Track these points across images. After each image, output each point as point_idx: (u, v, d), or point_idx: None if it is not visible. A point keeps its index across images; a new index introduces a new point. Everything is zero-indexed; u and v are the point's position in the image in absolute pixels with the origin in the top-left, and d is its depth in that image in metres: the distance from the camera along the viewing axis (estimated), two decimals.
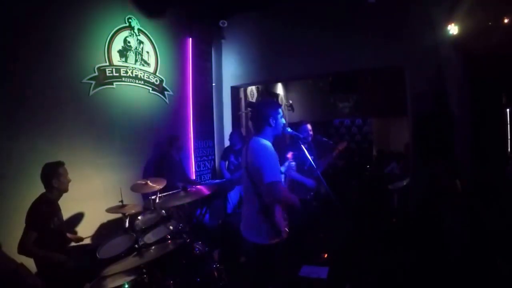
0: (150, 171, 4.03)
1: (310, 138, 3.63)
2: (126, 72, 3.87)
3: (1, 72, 2.73)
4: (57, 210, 2.61)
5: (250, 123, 6.31)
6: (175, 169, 4.06)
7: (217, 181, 5.10)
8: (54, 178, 2.56)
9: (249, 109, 6.46)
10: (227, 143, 5.79)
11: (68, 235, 2.82)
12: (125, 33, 3.87)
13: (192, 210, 4.06)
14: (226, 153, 4.94)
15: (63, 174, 2.61)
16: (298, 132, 3.31)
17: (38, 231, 2.40)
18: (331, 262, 3.29)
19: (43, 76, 3.03)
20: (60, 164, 2.62)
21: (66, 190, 2.67)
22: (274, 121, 2.16)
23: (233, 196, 4.73)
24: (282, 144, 3.52)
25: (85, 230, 3.27)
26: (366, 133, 8.81)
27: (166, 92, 4.48)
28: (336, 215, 3.91)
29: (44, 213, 2.46)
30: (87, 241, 3.01)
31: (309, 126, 3.68)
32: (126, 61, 3.88)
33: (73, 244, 2.86)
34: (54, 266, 2.40)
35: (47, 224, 2.45)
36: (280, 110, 2.22)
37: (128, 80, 3.91)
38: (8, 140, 2.76)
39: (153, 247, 2.37)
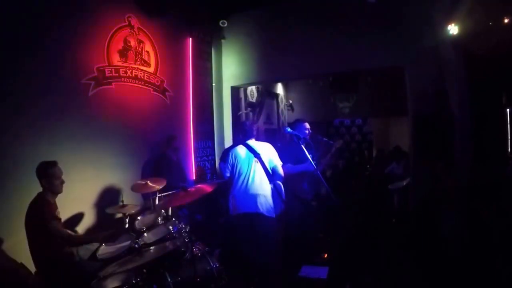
0: (149, 171, 4.03)
1: (308, 137, 3.64)
2: (126, 72, 3.87)
3: (0, 72, 2.73)
4: (54, 209, 2.59)
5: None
6: (172, 169, 4.05)
7: (217, 181, 5.10)
8: (44, 178, 2.49)
9: (249, 109, 6.46)
10: (227, 143, 5.79)
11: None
12: (125, 32, 3.87)
13: (192, 210, 4.06)
14: (225, 157, 4.88)
15: (54, 175, 2.50)
16: (296, 130, 3.32)
17: (56, 219, 2.42)
18: (331, 262, 3.29)
19: (43, 76, 3.03)
20: (51, 164, 2.52)
21: (58, 191, 2.58)
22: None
23: None
24: (282, 143, 3.53)
25: (85, 230, 3.28)
26: (366, 133, 8.83)
27: (166, 93, 4.48)
28: (336, 215, 3.93)
29: (42, 212, 2.44)
30: None
31: (307, 125, 3.68)
32: (126, 61, 3.87)
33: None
34: (51, 265, 2.39)
35: (43, 223, 2.43)
36: None
37: (128, 80, 3.90)
38: (8, 140, 2.76)
39: (153, 247, 2.37)
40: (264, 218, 2.92)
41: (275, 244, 3.01)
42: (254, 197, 2.94)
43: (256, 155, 3.01)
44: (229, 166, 3.08)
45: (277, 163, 3.06)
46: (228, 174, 3.11)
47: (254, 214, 2.92)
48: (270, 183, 3.02)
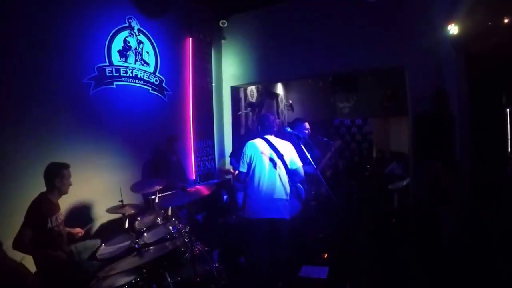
0: (149, 171, 4.03)
1: (308, 136, 3.65)
2: (126, 72, 3.87)
3: (1, 72, 2.73)
4: (56, 210, 2.61)
5: (250, 123, 6.32)
6: (172, 169, 4.05)
7: (217, 181, 5.10)
8: (57, 178, 2.58)
9: (249, 109, 6.46)
10: (227, 143, 5.79)
11: (68, 229, 2.82)
12: (125, 33, 3.87)
13: (192, 210, 4.06)
14: (237, 152, 4.79)
15: (66, 176, 2.63)
16: (296, 130, 3.32)
17: (34, 229, 2.40)
18: (331, 262, 3.29)
19: (44, 75, 3.03)
20: (65, 166, 2.65)
21: (65, 192, 2.69)
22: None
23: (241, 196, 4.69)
24: None
25: (84, 228, 3.28)
26: (366, 133, 8.80)
27: (165, 92, 4.48)
28: (336, 215, 3.92)
29: (42, 213, 2.46)
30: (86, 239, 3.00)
31: (306, 125, 3.68)
32: (126, 61, 3.87)
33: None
34: (51, 264, 2.40)
35: (44, 223, 2.45)
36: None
37: (128, 80, 3.91)
38: (8, 140, 2.76)
39: (152, 247, 2.37)
40: (284, 222, 2.78)
41: (289, 246, 2.90)
42: (278, 202, 2.75)
43: (279, 155, 2.78)
44: (246, 161, 2.79)
45: (299, 164, 2.85)
46: (243, 170, 2.81)
47: (279, 220, 2.75)
48: (291, 184, 2.86)
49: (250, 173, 2.81)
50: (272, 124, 2.91)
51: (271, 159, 2.78)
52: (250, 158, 2.80)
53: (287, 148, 2.86)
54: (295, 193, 2.92)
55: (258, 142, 2.85)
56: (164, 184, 3.21)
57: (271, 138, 2.88)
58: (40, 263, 2.45)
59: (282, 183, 2.77)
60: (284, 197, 2.78)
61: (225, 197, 4.30)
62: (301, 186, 3.04)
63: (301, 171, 2.85)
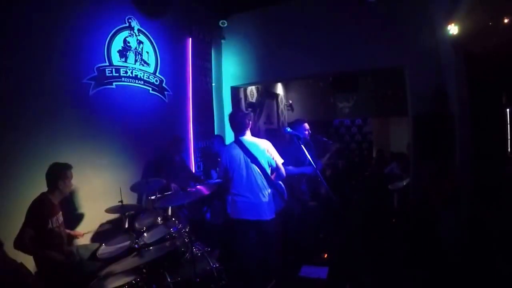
0: (150, 171, 4.02)
1: (308, 137, 3.65)
2: (126, 72, 3.87)
3: (0, 72, 2.73)
4: (57, 211, 2.61)
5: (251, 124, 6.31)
6: (175, 170, 4.05)
7: (218, 181, 5.08)
8: (61, 180, 2.58)
9: (249, 109, 6.46)
10: (227, 143, 5.78)
11: (68, 231, 2.82)
12: (125, 33, 3.87)
13: (192, 210, 4.06)
14: (214, 161, 4.73)
15: (69, 178, 2.64)
16: (296, 130, 3.33)
17: (35, 229, 2.40)
18: (331, 262, 3.29)
19: (43, 76, 3.03)
20: (69, 166, 2.65)
21: (67, 193, 2.70)
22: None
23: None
24: (282, 143, 3.51)
25: (85, 230, 3.28)
26: (366, 133, 8.81)
27: (166, 92, 4.48)
28: (336, 215, 3.93)
29: (43, 213, 2.46)
30: (86, 239, 3.01)
31: (306, 125, 3.69)
32: (126, 61, 3.87)
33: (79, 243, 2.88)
34: (51, 264, 2.40)
35: (45, 224, 2.45)
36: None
37: (128, 80, 3.90)
38: (8, 140, 2.76)
39: (152, 247, 2.37)
40: (267, 223, 2.78)
41: (277, 244, 2.90)
42: (256, 205, 2.76)
43: (252, 157, 2.75)
44: (222, 168, 2.85)
45: (278, 161, 2.82)
46: (220, 178, 2.89)
47: (257, 222, 2.78)
48: (270, 186, 2.83)
49: (230, 178, 2.84)
50: (242, 121, 2.82)
51: (246, 164, 2.77)
52: (225, 165, 2.84)
53: (263, 148, 2.79)
54: (276, 192, 2.89)
55: (232, 149, 2.84)
56: (163, 184, 3.21)
57: (245, 138, 2.83)
58: (40, 263, 2.45)
59: (259, 186, 2.77)
60: (263, 199, 2.77)
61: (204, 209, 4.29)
62: (282, 184, 3.01)
63: (280, 168, 2.83)
